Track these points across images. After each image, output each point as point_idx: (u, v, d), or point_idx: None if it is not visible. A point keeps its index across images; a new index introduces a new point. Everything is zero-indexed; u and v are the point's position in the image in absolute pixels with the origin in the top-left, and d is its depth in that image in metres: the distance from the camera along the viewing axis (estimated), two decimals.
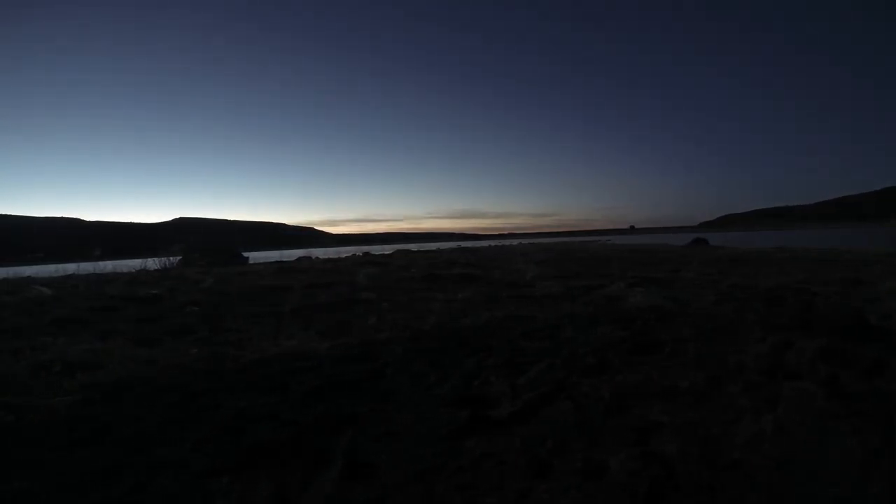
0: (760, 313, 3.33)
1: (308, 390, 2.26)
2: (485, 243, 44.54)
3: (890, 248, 10.99)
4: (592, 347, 2.76)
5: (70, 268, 12.61)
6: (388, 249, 25.16)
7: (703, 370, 2.25)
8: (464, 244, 40.51)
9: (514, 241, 48.88)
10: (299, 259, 16.67)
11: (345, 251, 24.69)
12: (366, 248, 27.53)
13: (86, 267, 12.46)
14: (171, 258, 15.01)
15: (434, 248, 26.23)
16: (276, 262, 15.47)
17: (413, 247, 30.37)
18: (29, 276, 10.73)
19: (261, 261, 16.99)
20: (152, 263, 13.99)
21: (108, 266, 12.83)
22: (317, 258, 16.89)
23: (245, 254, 19.26)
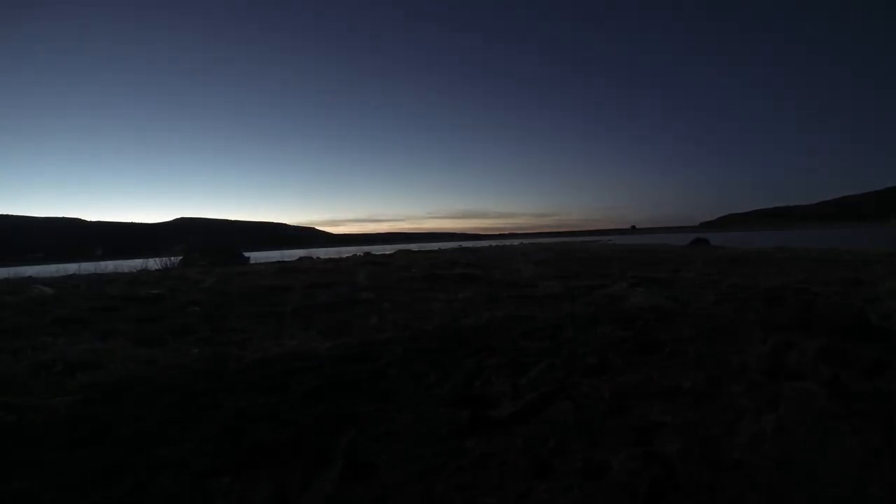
0: (761, 313, 3.33)
1: (309, 390, 2.26)
2: (486, 243, 44.54)
3: (890, 248, 10.98)
4: (593, 347, 2.76)
5: (71, 268, 12.62)
6: (389, 249, 25.17)
7: (703, 370, 2.25)
8: (465, 244, 40.51)
9: (516, 241, 48.88)
10: (300, 259, 16.68)
11: (346, 251, 24.70)
12: (367, 249, 27.54)
13: (87, 267, 12.48)
14: (172, 258, 15.02)
15: (435, 248, 26.23)
16: (277, 262, 15.48)
17: (414, 247, 30.38)
18: (30, 276, 10.75)
19: (262, 261, 16.99)
20: (153, 263, 14.01)
21: (108, 266, 12.84)
22: (318, 258, 16.90)
23: (246, 254, 19.28)
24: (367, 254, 18.56)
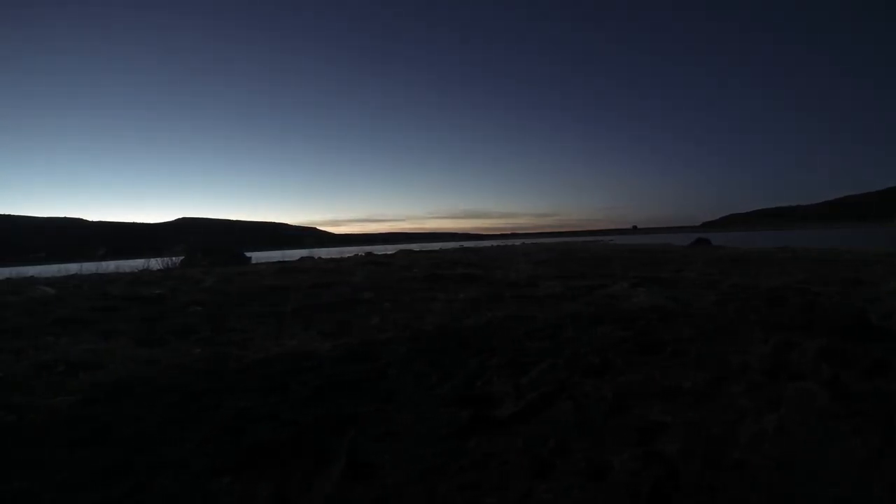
0: (762, 313, 3.32)
1: (309, 390, 2.26)
2: (487, 243, 44.51)
3: (890, 248, 10.96)
4: (594, 347, 2.76)
5: (73, 268, 12.63)
6: (390, 249, 25.16)
7: (704, 370, 2.25)
8: (466, 244, 40.48)
9: (517, 242, 48.84)
10: (301, 259, 16.69)
11: (347, 251, 24.69)
12: (368, 248, 27.54)
13: (88, 267, 12.49)
14: (174, 258, 15.02)
15: (436, 248, 26.22)
16: (279, 262, 15.49)
17: (415, 247, 30.37)
18: (32, 276, 10.76)
19: (263, 261, 17.00)
20: (155, 263, 14.02)
21: (110, 266, 12.86)
22: (319, 258, 16.90)
23: (247, 254, 19.28)
24: (369, 254, 18.57)
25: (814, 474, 1.34)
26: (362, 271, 9.04)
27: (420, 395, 2.14)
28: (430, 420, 1.85)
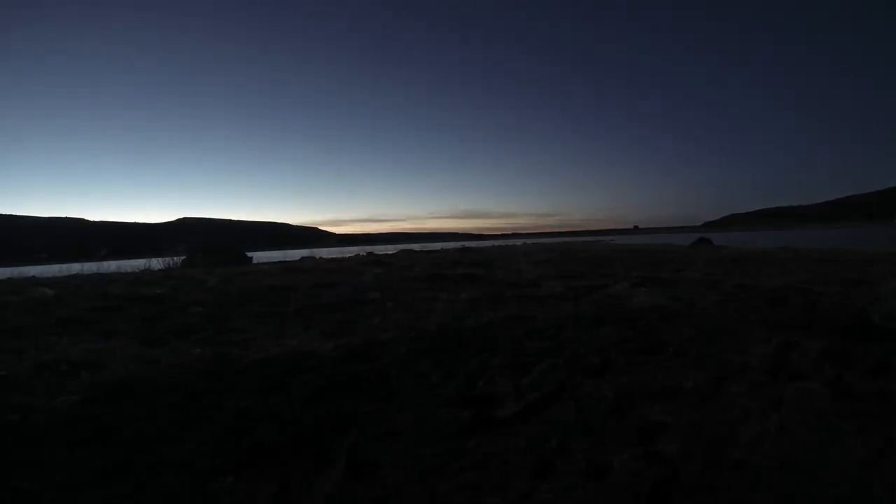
0: (764, 313, 3.32)
1: (310, 390, 2.26)
2: (488, 243, 44.50)
3: (892, 248, 10.93)
4: (595, 347, 2.75)
5: (74, 268, 12.66)
6: (391, 249, 25.18)
7: (706, 370, 2.24)
8: (467, 244, 40.48)
9: (518, 241, 48.83)
10: (303, 259, 16.71)
11: (349, 251, 24.71)
12: (370, 248, 27.54)
13: (89, 267, 12.52)
14: (175, 258, 15.04)
15: (438, 248, 26.21)
16: (280, 261, 15.51)
17: (417, 247, 30.37)
18: (33, 276, 10.78)
19: (264, 261, 17.02)
20: (156, 263, 14.05)
21: (111, 266, 12.88)
22: (320, 258, 16.93)
23: (249, 254, 19.28)
24: (370, 254, 18.58)
25: (814, 474, 1.34)
26: (364, 271, 9.04)
27: (421, 395, 2.14)
28: (431, 420, 1.85)
